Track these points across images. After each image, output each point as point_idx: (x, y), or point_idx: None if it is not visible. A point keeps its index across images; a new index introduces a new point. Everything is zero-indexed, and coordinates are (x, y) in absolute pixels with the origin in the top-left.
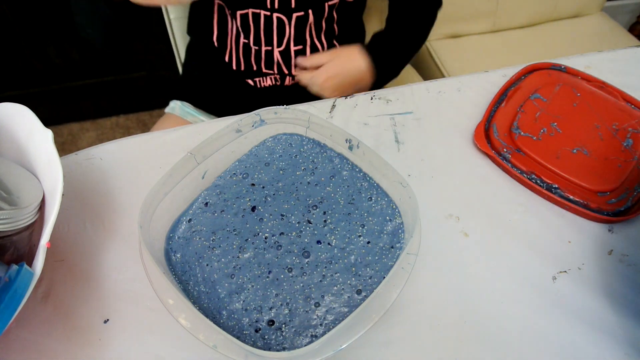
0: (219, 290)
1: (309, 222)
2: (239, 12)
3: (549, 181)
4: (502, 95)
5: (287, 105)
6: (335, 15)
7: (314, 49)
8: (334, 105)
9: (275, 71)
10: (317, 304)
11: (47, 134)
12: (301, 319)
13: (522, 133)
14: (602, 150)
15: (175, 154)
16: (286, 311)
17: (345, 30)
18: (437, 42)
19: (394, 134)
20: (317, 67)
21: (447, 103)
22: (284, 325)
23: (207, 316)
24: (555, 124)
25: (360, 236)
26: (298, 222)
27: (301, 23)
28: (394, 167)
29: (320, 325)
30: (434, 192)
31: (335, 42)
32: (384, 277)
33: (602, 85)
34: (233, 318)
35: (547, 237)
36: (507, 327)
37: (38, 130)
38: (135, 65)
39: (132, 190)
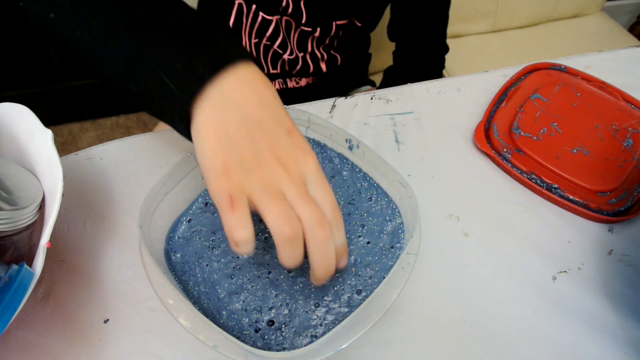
0: (219, 290)
1: None
2: (261, 14)
3: (549, 181)
4: (502, 95)
5: (287, 105)
6: (341, 33)
7: (314, 57)
8: (334, 105)
9: (279, 70)
10: (317, 304)
11: (47, 134)
12: (301, 319)
13: (522, 133)
14: (602, 150)
15: (175, 154)
16: (286, 311)
17: (348, 44)
18: None
19: (394, 134)
20: None
21: (447, 103)
22: (283, 326)
23: (207, 316)
24: (555, 124)
25: (360, 236)
26: None
27: (305, 34)
28: (394, 167)
29: (320, 325)
30: (434, 192)
31: (333, 52)
32: (384, 277)
33: (602, 85)
34: (233, 318)
35: (547, 237)
36: (507, 327)
37: (38, 130)
38: None
39: (132, 190)
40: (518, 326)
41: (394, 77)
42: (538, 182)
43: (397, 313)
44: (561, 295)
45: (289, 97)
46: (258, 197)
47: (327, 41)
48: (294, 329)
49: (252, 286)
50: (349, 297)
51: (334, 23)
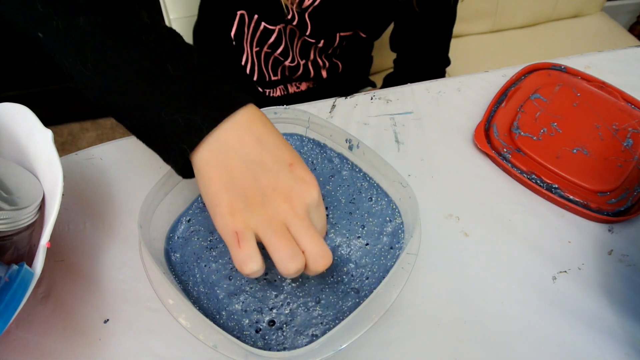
0: (218, 291)
1: None
2: (263, 24)
3: (549, 181)
4: (502, 95)
5: (287, 105)
6: (344, 44)
7: (315, 64)
8: (334, 106)
9: (279, 76)
10: (317, 304)
11: (47, 134)
12: (301, 318)
13: (522, 133)
14: (602, 150)
15: None
16: (287, 311)
17: (350, 52)
18: None
19: (394, 134)
20: None
21: (447, 103)
22: (284, 325)
23: (207, 316)
24: (555, 124)
25: (359, 237)
26: None
27: (309, 44)
28: (394, 167)
29: (321, 324)
30: (434, 192)
31: (335, 60)
32: (384, 277)
33: (602, 85)
34: (233, 319)
35: (547, 237)
36: (507, 327)
37: (38, 130)
38: None
39: (132, 190)
40: (518, 326)
41: (394, 85)
42: (538, 182)
43: (397, 313)
44: (561, 296)
45: (289, 101)
46: (263, 232)
47: (330, 51)
48: (294, 328)
49: (251, 287)
50: (348, 297)
51: (337, 34)
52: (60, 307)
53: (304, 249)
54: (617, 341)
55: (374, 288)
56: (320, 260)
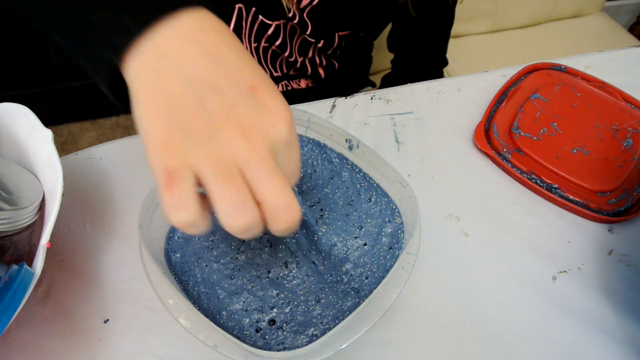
0: (219, 291)
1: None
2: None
3: (549, 181)
4: (502, 95)
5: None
6: (343, 44)
7: (312, 62)
8: (334, 105)
9: (279, 72)
10: (317, 303)
11: (47, 134)
12: (302, 318)
13: (522, 133)
14: (602, 150)
15: None
16: (287, 310)
17: (349, 52)
18: None
19: (394, 134)
20: None
21: (447, 103)
22: (285, 325)
23: (207, 316)
24: (555, 124)
25: (357, 237)
26: None
27: (308, 43)
28: (394, 167)
29: (321, 324)
30: (434, 192)
31: (333, 60)
32: (384, 277)
33: (602, 85)
34: (233, 319)
35: (547, 237)
36: (507, 327)
37: (38, 130)
38: None
39: (132, 190)
40: (518, 326)
41: (392, 85)
42: (538, 182)
43: (397, 313)
44: (561, 296)
45: (289, 100)
46: (205, 174)
47: (329, 51)
48: (295, 328)
49: (253, 286)
50: (348, 296)
51: (336, 34)
52: (60, 307)
53: (261, 200)
54: (617, 341)
55: (374, 288)
56: (282, 214)
